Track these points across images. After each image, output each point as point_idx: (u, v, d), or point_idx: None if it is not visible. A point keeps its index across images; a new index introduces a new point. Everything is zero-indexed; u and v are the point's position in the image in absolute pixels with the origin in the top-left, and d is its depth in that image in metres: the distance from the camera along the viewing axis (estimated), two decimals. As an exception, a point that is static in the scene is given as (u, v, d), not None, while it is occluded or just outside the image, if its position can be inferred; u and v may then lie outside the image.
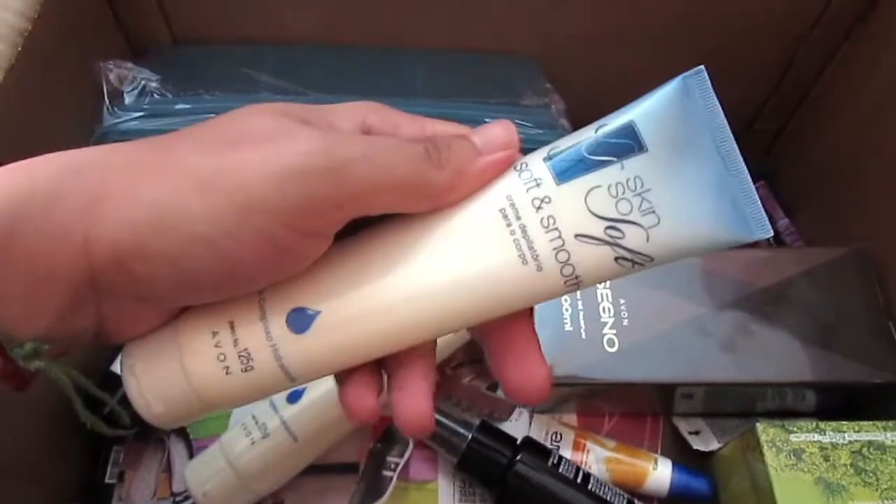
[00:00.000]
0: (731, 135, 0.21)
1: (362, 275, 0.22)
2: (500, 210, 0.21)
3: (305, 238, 0.20)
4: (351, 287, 0.22)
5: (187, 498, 0.40)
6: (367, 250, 0.22)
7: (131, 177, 0.20)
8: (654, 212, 0.21)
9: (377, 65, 0.46)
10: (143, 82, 0.40)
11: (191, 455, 0.42)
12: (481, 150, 0.22)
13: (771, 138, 0.54)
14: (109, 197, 0.19)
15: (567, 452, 0.41)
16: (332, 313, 0.22)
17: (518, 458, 0.39)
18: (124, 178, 0.20)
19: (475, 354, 0.45)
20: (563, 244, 0.21)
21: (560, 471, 0.38)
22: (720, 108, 0.21)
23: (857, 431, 0.35)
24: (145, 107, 0.40)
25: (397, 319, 0.22)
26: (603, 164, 0.21)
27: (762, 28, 0.46)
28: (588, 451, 0.42)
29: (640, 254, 0.21)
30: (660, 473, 0.41)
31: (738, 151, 0.21)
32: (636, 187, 0.21)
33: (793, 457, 0.35)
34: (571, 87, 0.45)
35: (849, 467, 0.34)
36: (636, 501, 0.39)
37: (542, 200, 0.21)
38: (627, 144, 0.21)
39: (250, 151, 0.20)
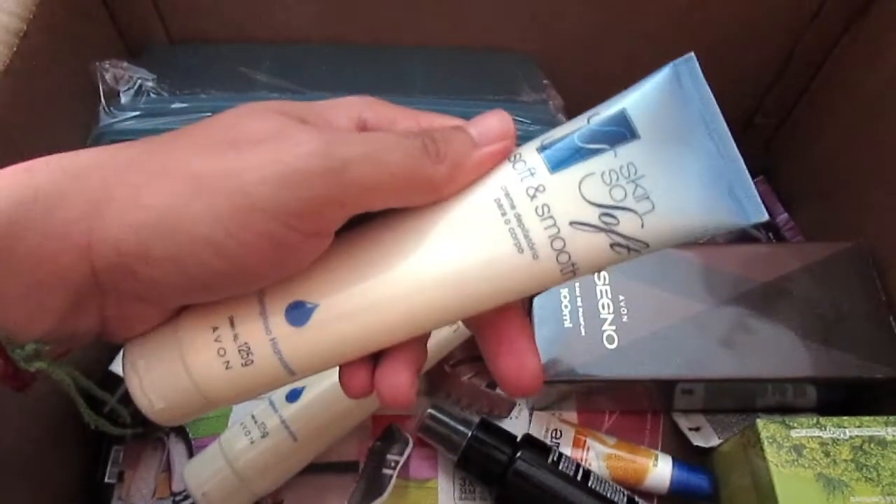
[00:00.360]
0: (724, 120, 0.21)
1: (360, 268, 0.22)
2: (496, 200, 0.21)
3: (308, 237, 0.21)
4: (349, 281, 0.22)
5: (187, 497, 0.40)
6: (365, 244, 0.22)
7: (132, 179, 0.20)
8: (648, 198, 0.21)
9: (375, 63, 0.46)
10: (139, 82, 0.40)
11: (190, 454, 0.42)
12: (478, 141, 0.22)
13: (770, 133, 0.54)
14: (111, 200, 0.19)
15: (567, 450, 0.41)
16: (330, 307, 0.22)
17: (518, 455, 0.39)
18: (125, 180, 0.20)
19: (474, 352, 0.45)
20: (559, 232, 0.21)
21: (560, 468, 0.38)
22: (711, 94, 0.21)
23: (858, 427, 0.35)
24: (142, 106, 0.40)
25: (395, 312, 0.22)
26: (596, 152, 0.21)
27: (761, 22, 0.45)
28: (588, 448, 0.41)
29: (635, 240, 0.21)
30: (660, 470, 0.41)
31: (730, 136, 0.21)
32: (630, 174, 0.21)
33: (793, 453, 0.34)
34: (569, 82, 0.45)
35: (850, 463, 0.34)
36: (636, 498, 0.39)
37: (536, 189, 0.21)
38: (620, 132, 0.21)
39: (250, 153, 0.20)
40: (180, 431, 0.43)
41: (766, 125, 0.53)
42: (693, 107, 0.21)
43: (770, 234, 0.51)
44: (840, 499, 0.33)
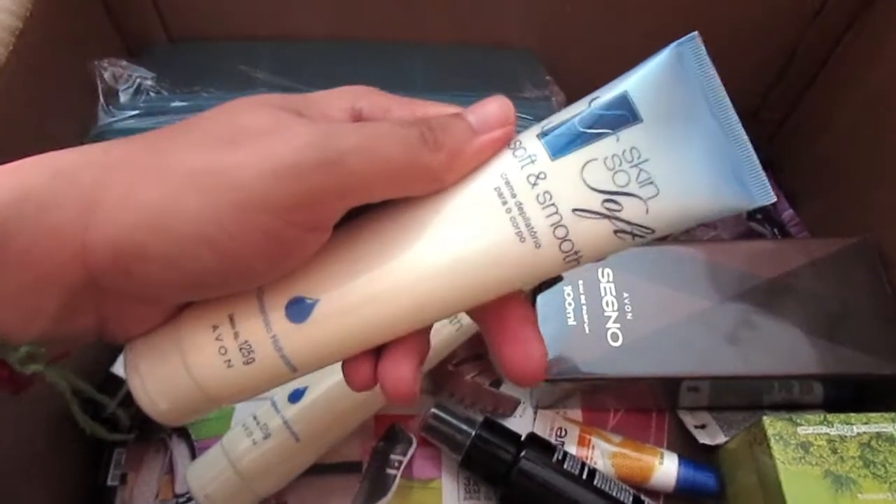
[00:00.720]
0: (729, 100, 0.20)
1: (359, 262, 0.22)
2: (496, 189, 0.21)
3: (306, 232, 0.20)
4: (348, 274, 0.22)
5: (190, 499, 0.39)
6: (364, 237, 0.22)
7: (126, 177, 0.20)
8: (652, 182, 0.20)
9: (375, 59, 0.46)
10: (138, 80, 0.40)
11: (193, 456, 0.41)
12: (477, 129, 0.22)
13: (775, 129, 0.53)
14: (105, 199, 0.19)
15: (572, 448, 0.41)
16: (330, 302, 0.22)
17: (522, 454, 0.38)
18: (119, 179, 0.20)
19: (477, 351, 0.44)
20: (561, 220, 0.21)
21: (565, 467, 0.38)
22: (716, 74, 0.20)
23: (866, 423, 0.35)
24: (141, 105, 0.40)
25: (397, 305, 0.22)
26: (598, 136, 0.21)
27: (765, 17, 0.45)
28: (593, 447, 0.41)
29: (639, 226, 0.21)
30: (666, 468, 0.40)
31: (736, 117, 0.20)
32: (633, 158, 0.20)
33: (800, 450, 0.34)
34: (571, 78, 0.45)
35: (857, 460, 0.34)
36: (642, 496, 0.38)
37: (537, 177, 0.21)
38: (622, 115, 0.21)
39: (245, 148, 0.19)
40: (182, 433, 0.42)
41: (771, 121, 0.53)
42: (697, 87, 0.20)
43: (775, 231, 0.51)
44: (848, 496, 0.33)
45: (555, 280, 0.39)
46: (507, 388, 0.44)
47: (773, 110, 0.52)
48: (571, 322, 0.39)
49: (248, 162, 0.19)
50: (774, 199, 0.20)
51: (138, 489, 0.41)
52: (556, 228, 0.21)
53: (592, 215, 0.21)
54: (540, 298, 0.40)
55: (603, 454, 0.41)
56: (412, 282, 0.21)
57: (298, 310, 0.22)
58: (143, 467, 0.42)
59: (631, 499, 0.38)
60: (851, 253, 0.42)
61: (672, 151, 0.20)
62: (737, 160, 0.20)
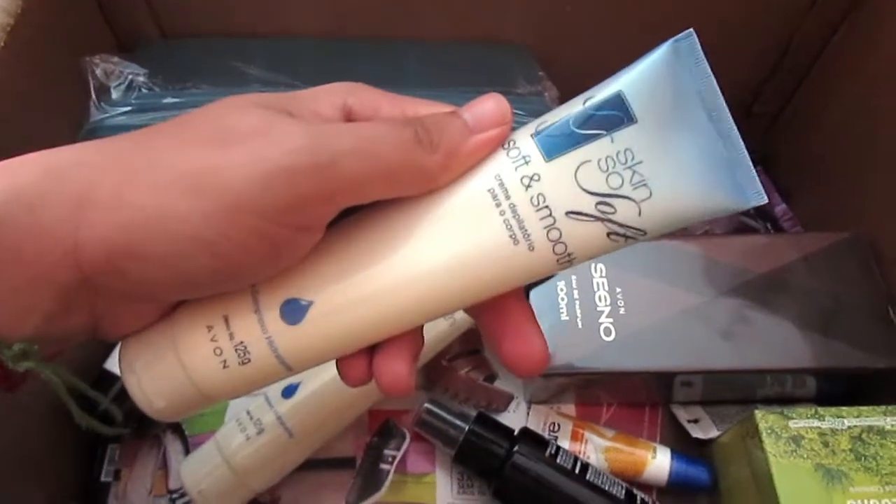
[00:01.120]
0: (724, 101, 0.20)
1: (353, 263, 0.22)
2: (489, 190, 0.21)
3: (298, 233, 0.20)
4: (342, 275, 0.22)
5: (184, 495, 0.40)
6: (358, 237, 0.22)
7: (117, 177, 0.19)
8: (645, 184, 0.20)
9: (369, 56, 0.46)
10: (130, 77, 0.40)
11: (187, 452, 0.42)
12: (472, 128, 0.21)
13: (768, 123, 0.53)
14: (97, 198, 0.19)
15: (565, 443, 0.41)
16: (325, 303, 0.22)
17: (515, 449, 0.38)
18: (110, 178, 0.19)
19: (471, 346, 0.44)
20: (554, 222, 0.21)
21: (557, 461, 0.38)
22: (711, 74, 0.20)
23: (857, 417, 0.35)
24: (133, 101, 0.39)
25: (390, 305, 0.22)
26: (592, 137, 0.21)
27: (759, 11, 0.45)
28: (586, 441, 0.41)
29: (632, 228, 0.21)
30: (659, 462, 0.40)
31: (730, 118, 0.20)
32: (626, 160, 0.20)
33: (792, 443, 0.34)
34: (565, 74, 0.44)
35: (849, 453, 0.34)
36: (635, 491, 0.38)
37: (531, 178, 0.21)
38: (616, 116, 0.21)
39: (235, 150, 0.19)
40: (176, 429, 0.42)
41: (764, 115, 0.53)
42: (692, 87, 0.20)
43: (768, 225, 0.51)
44: (839, 489, 0.33)
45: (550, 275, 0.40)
46: (500, 384, 0.44)
47: (766, 105, 0.52)
48: (564, 317, 0.40)
49: (237, 164, 0.19)
50: (767, 200, 0.20)
51: (132, 485, 0.41)
52: (549, 231, 0.21)
53: (586, 218, 0.21)
54: (533, 294, 0.40)
55: (596, 448, 0.41)
56: (406, 283, 0.21)
57: (293, 311, 0.22)
58: (137, 463, 0.42)
59: (623, 493, 0.38)
60: (844, 247, 0.42)
61: (666, 153, 0.20)
62: (730, 160, 0.20)
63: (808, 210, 0.50)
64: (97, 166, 0.20)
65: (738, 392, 0.42)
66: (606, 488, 0.37)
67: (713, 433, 0.41)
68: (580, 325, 0.39)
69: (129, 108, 0.39)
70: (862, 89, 0.44)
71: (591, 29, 0.46)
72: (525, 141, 0.21)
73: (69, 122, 0.39)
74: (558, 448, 0.39)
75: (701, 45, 0.20)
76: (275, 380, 0.23)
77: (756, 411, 0.35)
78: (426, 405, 0.40)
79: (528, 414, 0.43)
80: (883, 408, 0.35)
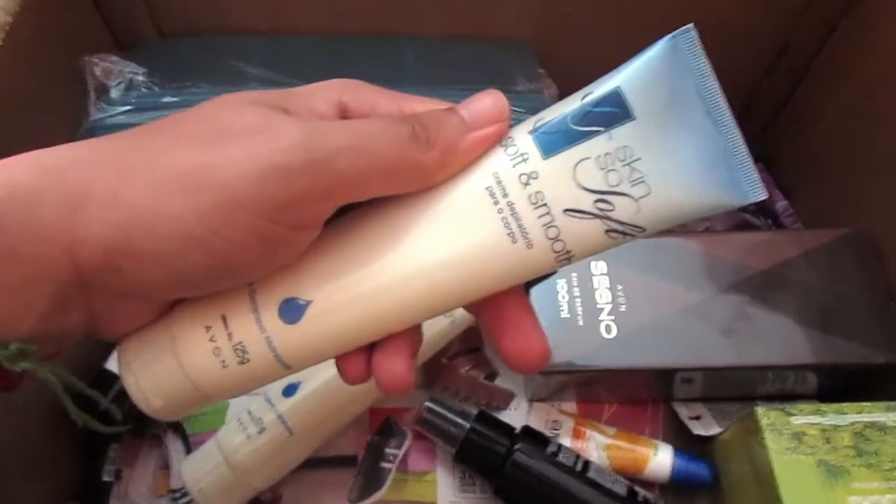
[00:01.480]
0: (723, 96, 0.20)
1: (351, 261, 0.22)
2: (487, 188, 0.21)
3: (293, 230, 0.20)
4: (340, 274, 0.22)
5: (185, 494, 0.39)
6: (355, 236, 0.22)
7: (113, 175, 0.19)
8: (643, 181, 0.20)
9: (367, 53, 0.46)
10: (129, 76, 0.40)
11: (188, 451, 0.42)
12: (470, 124, 0.21)
13: (768, 119, 0.53)
14: (92, 197, 0.19)
15: (567, 441, 0.41)
16: (323, 302, 0.22)
17: (516, 447, 0.38)
18: (105, 177, 0.19)
19: (472, 344, 0.44)
20: (553, 220, 0.21)
21: (559, 459, 0.38)
22: (710, 69, 0.20)
23: (859, 413, 0.35)
24: (132, 101, 0.39)
25: (388, 304, 0.22)
26: (590, 134, 0.21)
27: (758, 9, 0.45)
28: (588, 439, 0.41)
29: (631, 225, 0.21)
30: (660, 459, 0.40)
31: (729, 113, 0.20)
32: (625, 157, 0.20)
33: (794, 440, 0.34)
34: (564, 71, 0.44)
35: (850, 449, 0.34)
36: (636, 488, 0.38)
37: (529, 176, 0.21)
38: (614, 113, 0.20)
39: (230, 148, 0.19)
40: (177, 428, 0.42)
41: (764, 113, 0.53)
42: (690, 82, 0.20)
43: (769, 222, 0.51)
44: (840, 485, 0.33)
45: (549, 272, 0.40)
46: (501, 382, 0.44)
47: (766, 102, 0.52)
48: (565, 315, 0.39)
49: (232, 162, 0.19)
50: (766, 196, 0.20)
51: (133, 484, 0.41)
52: (548, 229, 0.21)
53: (584, 215, 0.21)
54: (533, 291, 0.40)
55: (598, 446, 0.41)
56: (404, 281, 0.21)
57: (291, 310, 0.22)
58: (139, 463, 0.42)
59: (625, 490, 0.38)
60: (844, 244, 0.42)
61: (664, 149, 0.20)
62: (729, 156, 0.20)
63: (808, 207, 0.50)
64: (93, 165, 0.20)
65: (739, 389, 0.42)
66: (608, 486, 0.37)
67: (714, 430, 0.41)
68: (581, 323, 0.39)
69: (127, 108, 0.39)
70: (860, 88, 0.44)
71: (590, 26, 0.46)
72: (523, 138, 0.21)
73: (68, 122, 0.39)
74: (559, 446, 0.39)
75: (700, 39, 0.20)
76: (274, 379, 0.23)
77: (757, 408, 0.35)
78: (427, 403, 0.40)
79: (528, 412, 0.43)
80: (884, 403, 0.35)
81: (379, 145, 0.20)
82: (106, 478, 0.41)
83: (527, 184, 0.21)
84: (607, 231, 0.21)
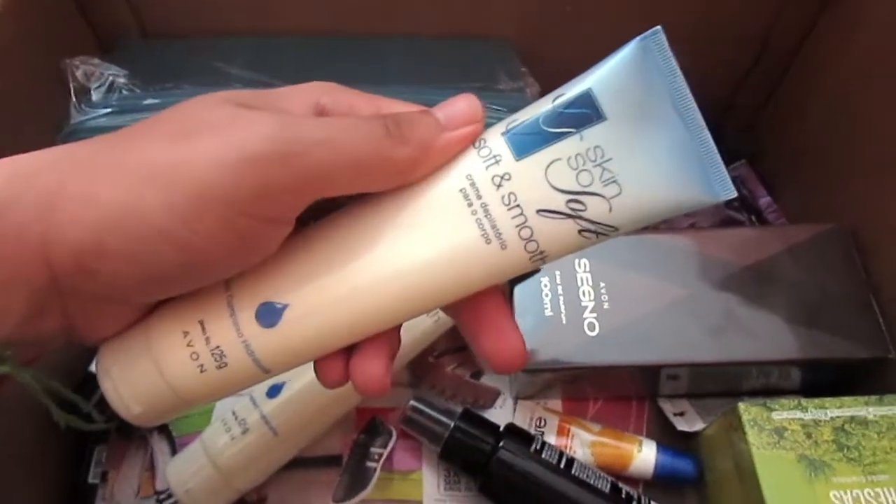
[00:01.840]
0: (692, 96, 0.20)
1: (327, 264, 0.22)
2: (461, 190, 0.21)
3: (266, 224, 0.20)
4: (316, 277, 0.22)
5: (171, 496, 0.40)
6: (331, 238, 0.22)
7: (86, 176, 0.20)
8: (615, 181, 0.21)
9: (350, 53, 0.46)
10: (110, 78, 0.40)
11: (174, 452, 0.42)
12: (445, 125, 0.22)
13: (752, 116, 0.53)
14: (65, 198, 0.19)
15: (552, 438, 0.41)
16: (300, 305, 0.22)
17: (500, 445, 0.38)
18: (79, 178, 0.19)
19: (457, 343, 0.44)
20: (526, 221, 0.21)
21: (543, 456, 0.38)
22: (678, 69, 0.20)
23: (840, 407, 0.35)
24: (114, 103, 0.39)
25: (365, 306, 0.22)
26: (561, 136, 0.21)
27: (737, 4, 0.45)
28: (573, 436, 0.41)
29: (603, 224, 0.21)
30: (644, 456, 0.40)
31: (698, 113, 0.20)
32: (596, 158, 0.21)
33: (775, 435, 0.34)
34: (546, 69, 0.44)
35: (831, 444, 0.34)
36: (620, 484, 0.38)
37: (501, 178, 0.21)
38: (585, 114, 0.21)
39: (203, 141, 0.19)
40: (163, 430, 0.42)
41: (747, 109, 0.53)
42: (661, 83, 0.20)
43: (753, 218, 0.51)
44: (822, 480, 0.33)
45: (533, 270, 0.40)
46: (487, 380, 0.44)
47: (748, 98, 0.52)
48: (548, 313, 0.40)
49: (205, 154, 0.19)
50: (736, 195, 0.20)
51: (119, 486, 0.41)
52: (521, 229, 0.21)
53: (557, 216, 0.21)
54: (517, 290, 0.40)
55: (582, 443, 0.41)
56: (381, 284, 0.21)
57: (268, 314, 0.22)
58: (124, 464, 0.42)
59: (609, 486, 0.38)
60: (827, 239, 0.42)
61: (635, 149, 0.21)
62: (700, 155, 0.20)
63: (792, 202, 0.50)
64: (66, 169, 0.20)
65: (723, 384, 0.43)
66: (592, 482, 0.38)
67: (698, 426, 0.41)
68: (564, 321, 0.39)
69: (109, 110, 0.39)
70: (843, 81, 0.44)
71: (571, 24, 0.46)
72: (496, 140, 0.21)
73: (49, 125, 0.39)
74: (544, 443, 0.39)
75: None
76: (252, 383, 0.23)
77: (739, 404, 0.35)
78: (412, 402, 0.40)
79: (514, 410, 0.43)
80: (865, 398, 0.35)
81: (352, 139, 0.20)
82: (92, 479, 0.41)
83: (500, 185, 0.21)
84: (580, 231, 0.21)
